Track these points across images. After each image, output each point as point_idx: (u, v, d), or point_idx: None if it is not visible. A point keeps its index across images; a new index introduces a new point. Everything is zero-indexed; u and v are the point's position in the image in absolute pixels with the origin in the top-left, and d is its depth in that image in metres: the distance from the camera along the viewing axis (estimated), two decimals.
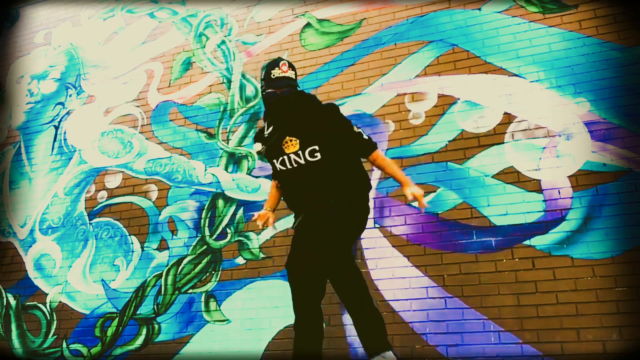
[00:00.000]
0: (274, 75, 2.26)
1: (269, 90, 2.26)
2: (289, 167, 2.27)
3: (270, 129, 2.32)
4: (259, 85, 4.13)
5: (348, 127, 2.29)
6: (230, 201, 3.85)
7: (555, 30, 3.47)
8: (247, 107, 4.09)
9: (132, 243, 3.99)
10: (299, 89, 2.33)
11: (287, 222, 3.61)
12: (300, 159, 2.23)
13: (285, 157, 2.26)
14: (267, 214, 2.47)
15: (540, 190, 3.17)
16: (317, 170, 2.22)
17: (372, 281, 3.27)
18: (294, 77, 2.31)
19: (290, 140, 2.24)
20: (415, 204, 3.36)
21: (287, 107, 2.26)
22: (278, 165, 2.31)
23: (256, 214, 2.46)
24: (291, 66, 2.32)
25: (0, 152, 4.81)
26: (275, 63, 2.29)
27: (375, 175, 3.54)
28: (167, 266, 3.83)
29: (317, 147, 2.21)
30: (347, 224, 2.19)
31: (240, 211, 3.80)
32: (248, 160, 3.93)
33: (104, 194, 4.24)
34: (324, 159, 2.21)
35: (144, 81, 4.52)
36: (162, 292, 3.76)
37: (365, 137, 2.31)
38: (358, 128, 2.32)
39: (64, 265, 4.12)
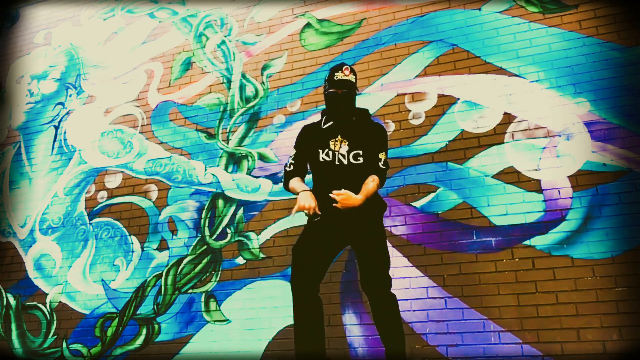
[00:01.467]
0: (337, 78, 2.42)
1: (331, 90, 2.42)
2: (332, 159, 2.39)
3: (328, 124, 2.47)
4: (259, 86, 4.13)
5: (383, 147, 2.45)
6: (230, 201, 3.85)
7: (555, 30, 3.47)
8: (247, 107, 4.09)
9: (132, 243, 3.99)
10: (358, 93, 2.51)
11: (287, 222, 3.61)
12: (345, 159, 2.38)
13: (331, 152, 2.40)
14: (313, 198, 2.36)
15: (540, 190, 3.17)
16: (355, 173, 2.37)
17: None
18: (354, 80, 2.45)
19: (341, 140, 2.40)
20: (416, 202, 3.37)
21: (345, 107, 2.43)
22: (322, 156, 2.41)
23: (310, 204, 2.30)
24: (353, 71, 2.46)
25: (0, 152, 4.81)
26: (339, 67, 2.44)
27: None
28: (167, 266, 3.83)
29: (361, 152, 2.38)
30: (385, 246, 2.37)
31: (240, 211, 3.80)
32: (248, 160, 3.93)
33: (104, 194, 4.24)
34: (364, 165, 2.38)
35: (144, 81, 4.52)
36: (162, 292, 3.76)
37: (382, 166, 2.42)
38: (387, 159, 2.46)
39: (64, 265, 4.12)
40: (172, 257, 3.84)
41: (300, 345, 2.25)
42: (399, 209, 3.41)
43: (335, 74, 2.43)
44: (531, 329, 2.91)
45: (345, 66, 2.45)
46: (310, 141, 2.49)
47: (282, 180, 2.62)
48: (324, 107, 2.55)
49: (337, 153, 2.38)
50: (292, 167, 2.52)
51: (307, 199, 2.28)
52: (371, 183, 2.35)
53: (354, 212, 2.28)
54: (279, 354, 3.31)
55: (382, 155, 2.43)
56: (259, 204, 3.76)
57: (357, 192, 2.30)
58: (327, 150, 2.40)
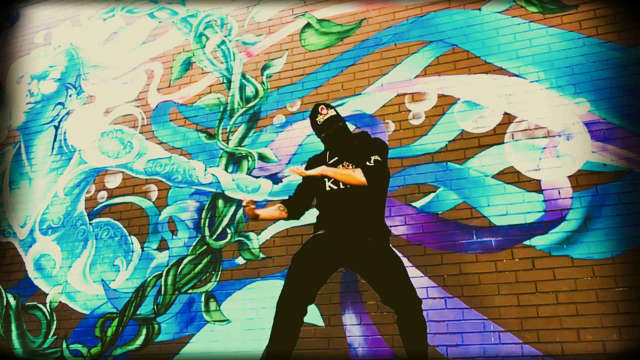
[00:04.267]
0: (319, 122, 2.52)
1: (323, 135, 2.53)
2: (341, 187, 2.42)
3: (334, 159, 2.53)
4: (259, 86, 4.13)
5: (376, 151, 2.43)
6: (230, 201, 3.85)
7: (555, 30, 3.47)
8: (247, 107, 4.09)
9: (132, 243, 3.99)
10: (343, 120, 2.57)
11: (287, 222, 3.61)
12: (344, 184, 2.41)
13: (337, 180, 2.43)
14: (254, 210, 2.50)
15: (540, 190, 3.17)
16: (359, 199, 2.37)
17: None
18: (335, 113, 2.54)
19: (348, 165, 2.45)
20: (416, 202, 3.37)
21: (341, 139, 2.51)
22: (329, 184, 2.45)
23: (246, 200, 2.47)
24: (329, 107, 2.55)
25: (0, 152, 4.81)
26: (314, 111, 2.54)
27: None
28: (167, 266, 3.83)
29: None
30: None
31: (240, 211, 3.80)
32: (248, 161, 3.93)
33: (104, 194, 4.25)
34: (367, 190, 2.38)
35: (144, 81, 4.52)
36: (162, 292, 3.76)
37: (369, 164, 2.37)
38: (379, 159, 2.40)
39: (64, 266, 4.12)
40: (172, 257, 3.84)
41: (272, 346, 2.29)
42: (399, 209, 3.41)
43: (316, 119, 2.52)
44: (531, 329, 2.91)
45: (321, 106, 2.53)
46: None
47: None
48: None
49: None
50: (289, 197, 2.65)
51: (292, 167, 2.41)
52: (348, 170, 2.38)
53: (364, 240, 2.32)
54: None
55: (373, 156, 2.39)
56: (259, 204, 3.76)
57: (362, 218, 2.35)
58: (333, 179, 2.45)
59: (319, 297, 3.31)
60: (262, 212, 2.56)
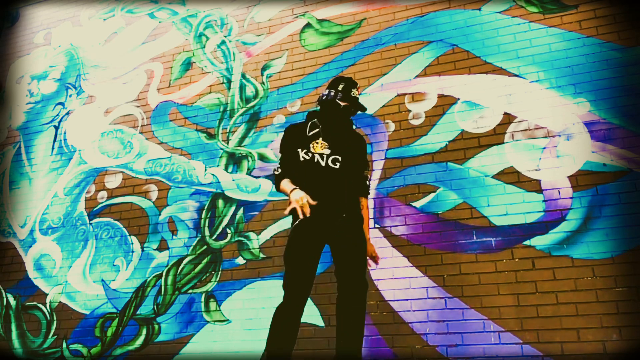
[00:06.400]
0: (353, 94, 2.55)
1: (344, 104, 2.53)
2: (310, 159, 2.47)
3: (314, 130, 2.56)
4: (259, 86, 4.13)
5: (365, 164, 2.63)
6: (230, 201, 3.85)
7: (555, 30, 3.47)
8: (247, 107, 4.09)
9: (132, 243, 3.99)
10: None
11: (287, 222, 3.61)
12: (322, 161, 2.46)
13: (310, 153, 2.48)
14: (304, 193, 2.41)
15: (540, 190, 3.17)
16: (332, 177, 2.44)
17: (372, 281, 3.27)
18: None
19: (323, 144, 2.50)
20: (416, 202, 3.37)
21: (339, 119, 2.55)
22: (302, 154, 2.49)
23: (300, 195, 2.35)
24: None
25: (0, 152, 4.81)
26: (354, 83, 2.57)
27: (375, 176, 3.54)
28: (167, 266, 3.83)
29: (340, 158, 2.46)
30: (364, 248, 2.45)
31: (240, 211, 3.80)
32: (248, 161, 3.93)
33: (104, 194, 4.25)
34: (340, 170, 2.46)
35: (144, 81, 4.52)
36: (162, 292, 3.76)
37: (367, 182, 2.62)
38: (367, 172, 2.66)
39: (64, 266, 4.12)
40: (172, 257, 3.84)
41: (271, 345, 2.31)
42: (399, 209, 3.41)
43: (352, 90, 2.54)
44: (531, 329, 2.91)
45: (359, 86, 2.63)
46: (293, 142, 2.56)
47: (274, 185, 2.64)
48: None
49: (315, 154, 2.46)
50: (279, 170, 2.57)
51: (298, 194, 2.32)
52: (365, 211, 2.55)
53: (338, 216, 2.37)
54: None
55: (366, 172, 2.61)
56: (259, 204, 3.76)
57: (333, 194, 2.40)
58: (305, 149, 2.49)
59: (319, 297, 3.32)
60: (296, 188, 2.47)
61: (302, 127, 2.59)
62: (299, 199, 2.28)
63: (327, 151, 2.46)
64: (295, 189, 2.37)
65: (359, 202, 2.55)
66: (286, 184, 2.47)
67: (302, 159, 2.48)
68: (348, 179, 2.46)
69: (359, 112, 2.65)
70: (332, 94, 2.53)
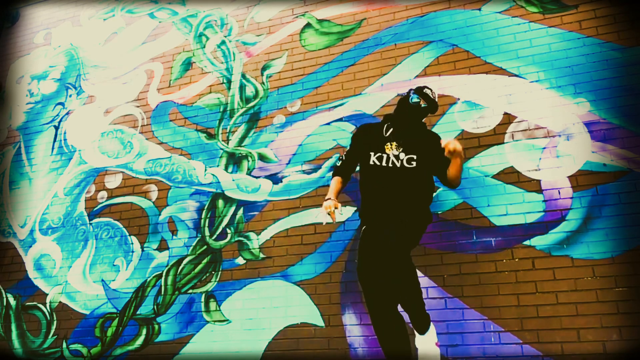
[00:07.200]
0: (432, 96, 2.68)
1: (423, 105, 2.65)
2: (383, 164, 2.51)
3: (390, 131, 2.61)
4: (259, 86, 4.13)
5: (444, 160, 2.61)
6: (230, 201, 3.85)
7: (555, 31, 3.47)
8: (247, 107, 4.09)
9: (132, 243, 3.99)
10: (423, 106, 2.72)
11: (287, 222, 3.61)
12: (398, 161, 2.50)
13: (384, 155, 2.51)
14: (335, 201, 2.54)
15: (540, 190, 3.17)
16: (406, 177, 2.48)
17: None
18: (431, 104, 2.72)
19: (396, 144, 2.55)
20: None
21: (418, 126, 2.65)
22: (373, 159, 2.53)
23: (329, 204, 2.49)
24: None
25: (0, 152, 4.81)
26: (429, 88, 2.71)
27: None
28: (167, 266, 3.83)
29: (414, 157, 2.52)
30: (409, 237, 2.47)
31: (240, 211, 3.80)
32: (248, 161, 3.93)
33: (104, 194, 4.24)
34: (417, 169, 2.52)
35: (144, 81, 4.52)
36: (162, 292, 3.76)
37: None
38: None
39: (64, 266, 4.12)
40: (172, 257, 3.84)
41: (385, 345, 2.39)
42: None
43: (432, 94, 2.68)
44: (531, 329, 2.91)
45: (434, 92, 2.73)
46: (365, 141, 2.62)
47: (332, 172, 2.75)
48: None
49: (390, 155, 2.50)
50: (340, 162, 2.68)
51: (327, 202, 2.46)
52: (453, 168, 2.53)
53: (399, 219, 2.40)
54: (279, 354, 3.31)
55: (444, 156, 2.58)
56: (259, 204, 3.76)
57: (405, 197, 2.44)
58: (378, 153, 2.53)
59: (319, 297, 3.33)
60: (335, 194, 2.59)
61: (377, 127, 2.65)
62: (327, 207, 2.44)
63: (402, 151, 2.51)
64: (329, 198, 2.50)
65: (427, 201, 2.60)
66: (333, 186, 2.61)
67: (371, 163, 2.53)
68: (420, 178, 2.50)
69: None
70: (411, 96, 2.64)
